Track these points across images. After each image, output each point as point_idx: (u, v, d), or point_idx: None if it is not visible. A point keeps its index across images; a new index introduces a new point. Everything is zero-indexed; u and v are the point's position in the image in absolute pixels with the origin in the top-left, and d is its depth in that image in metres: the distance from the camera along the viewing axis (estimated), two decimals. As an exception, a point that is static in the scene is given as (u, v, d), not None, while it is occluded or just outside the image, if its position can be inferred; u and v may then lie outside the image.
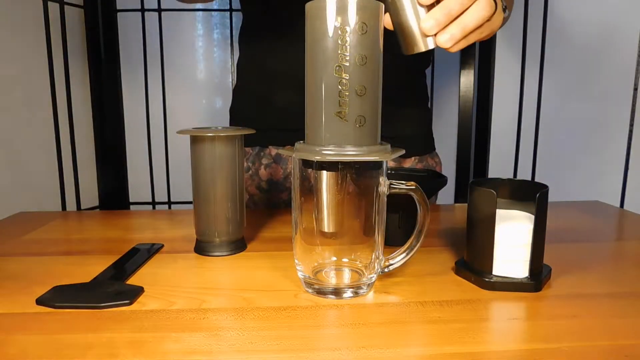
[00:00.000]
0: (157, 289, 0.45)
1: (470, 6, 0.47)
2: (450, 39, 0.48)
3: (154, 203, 1.50)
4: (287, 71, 0.75)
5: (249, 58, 0.82)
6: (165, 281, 0.47)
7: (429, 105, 0.90)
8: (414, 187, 0.42)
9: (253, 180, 0.82)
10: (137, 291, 0.43)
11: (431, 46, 0.49)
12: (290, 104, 0.75)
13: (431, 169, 0.76)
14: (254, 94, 0.82)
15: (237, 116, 0.87)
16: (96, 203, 1.44)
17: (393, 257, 0.45)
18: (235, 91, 0.87)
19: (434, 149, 0.88)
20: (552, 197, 0.48)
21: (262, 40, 0.79)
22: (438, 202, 0.91)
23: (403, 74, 0.79)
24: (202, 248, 0.55)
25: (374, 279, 0.45)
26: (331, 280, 0.46)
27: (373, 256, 0.43)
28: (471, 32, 0.49)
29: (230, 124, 0.88)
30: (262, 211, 0.75)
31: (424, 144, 0.85)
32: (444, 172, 0.67)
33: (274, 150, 0.81)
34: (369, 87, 0.40)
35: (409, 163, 0.82)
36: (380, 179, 0.42)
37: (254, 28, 0.81)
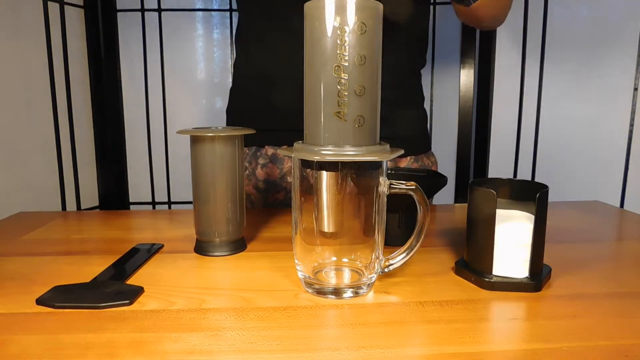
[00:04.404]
0: (157, 289, 0.45)
1: None
2: None
3: (154, 203, 1.50)
4: (283, 71, 0.75)
5: (245, 58, 0.82)
6: (165, 281, 0.47)
7: (427, 105, 0.90)
8: (414, 187, 0.42)
9: (250, 180, 0.82)
10: (137, 291, 0.43)
11: None
12: (287, 104, 0.75)
13: (431, 169, 0.76)
14: (250, 94, 0.82)
15: (233, 116, 0.87)
16: (96, 203, 1.44)
17: (393, 257, 0.45)
18: (232, 91, 0.87)
19: (430, 148, 0.88)
20: (552, 197, 0.48)
21: (258, 40, 0.79)
22: (436, 202, 0.91)
23: (398, 74, 0.79)
24: (202, 248, 0.55)
25: (374, 279, 0.45)
26: (331, 280, 0.46)
27: (373, 256, 0.43)
28: None
29: (227, 124, 0.88)
30: (261, 211, 0.75)
31: (420, 144, 0.85)
32: (442, 172, 0.67)
33: (270, 150, 0.81)
34: (368, 87, 0.40)
35: (405, 163, 0.82)
36: (380, 179, 0.42)
37: (250, 28, 0.81)
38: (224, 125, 0.86)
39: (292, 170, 0.43)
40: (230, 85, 0.88)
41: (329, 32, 0.38)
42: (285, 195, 0.82)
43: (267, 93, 0.79)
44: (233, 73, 0.88)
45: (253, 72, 0.81)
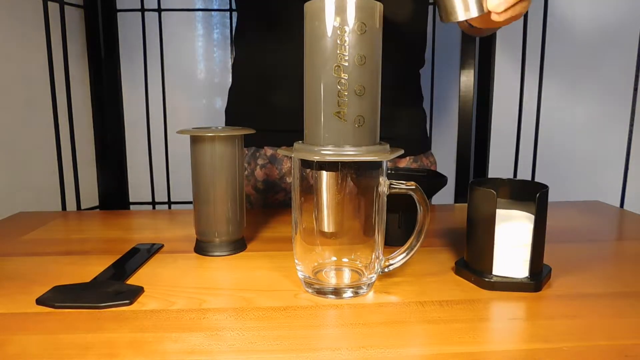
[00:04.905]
0: (157, 289, 0.45)
1: None
2: (504, 2, 0.48)
3: (154, 203, 1.50)
4: (282, 71, 0.75)
5: (245, 58, 0.82)
6: (165, 281, 0.47)
7: (426, 105, 0.90)
8: (414, 187, 0.42)
9: (249, 180, 0.82)
10: (137, 291, 0.43)
11: (475, 14, 0.49)
12: (286, 105, 0.75)
13: (430, 169, 0.76)
14: (249, 94, 0.82)
15: (232, 117, 0.87)
16: (96, 203, 1.44)
17: (393, 257, 0.45)
18: (231, 92, 0.87)
19: (429, 148, 0.88)
20: (552, 197, 0.48)
21: (257, 40, 0.79)
22: (436, 202, 0.91)
23: (397, 74, 0.79)
24: (202, 248, 0.55)
25: (374, 279, 0.45)
26: (331, 280, 0.46)
27: (373, 256, 0.43)
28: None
29: (226, 125, 0.88)
30: (262, 211, 0.75)
31: (419, 144, 0.85)
32: (442, 172, 0.67)
33: (269, 151, 0.81)
34: (367, 87, 0.39)
35: (404, 163, 0.82)
36: (380, 179, 0.42)
37: (249, 29, 0.81)
38: (224, 125, 0.85)
39: (292, 170, 0.43)
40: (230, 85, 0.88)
41: (329, 32, 0.38)
42: (284, 196, 0.82)
43: (266, 93, 0.79)
44: (232, 73, 0.88)
45: (252, 72, 0.81)
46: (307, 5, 0.40)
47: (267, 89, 0.79)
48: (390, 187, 0.42)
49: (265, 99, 0.79)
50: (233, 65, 0.87)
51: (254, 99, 0.81)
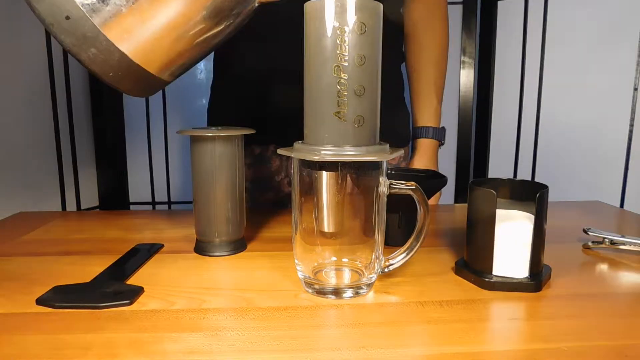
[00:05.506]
0: (157, 289, 0.45)
1: None
2: None
3: (154, 203, 1.50)
4: (268, 70, 0.75)
5: (228, 56, 0.81)
6: (165, 281, 0.47)
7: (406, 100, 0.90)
8: (414, 187, 0.42)
9: None
10: (137, 291, 0.43)
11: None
12: (272, 103, 0.74)
13: (430, 170, 0.76)
14: (233, 92, 0.82)
15: (215, 115, 0.85)
16: (96, 203, 1.44)
17: (393, 257, 0.45)
18: (214, 90, 0.86)
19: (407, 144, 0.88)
20: (552, 197, 0.48)
21: (256, 40, 0.79)
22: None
23: (396, 74, 0.79)
24: (202, 248, 0.55)
25: (374, 279, 0.45)
26: (331, 280, 0.46)
27: (373, 256, 0.43)
28: None
29: (208, 124, 0.87)
30: (261, 211, 0.75)
31: (405, 142, 0.85)
32: (442, 172, 0.67)
33: (257, 150, 0.81)
34: (367, 87, 0.40)
35: (395, 161, 0.83)
36: (380, 179, 0.42)
37: (247, 27, 0.81)
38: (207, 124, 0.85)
39: (292, 170, 0.43)
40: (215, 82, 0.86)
41: (329, 32, 0.38)
42: (274, 196, 0.82)
43: (250, 92, 0.78)
44: (214, 71, 0.85)
45: (236, 70, 0.80)
46: (307, 5, 0.40)
47: (251, 88, 0.78)
48: (390, 187, 0.42)
49: (249, 98, 0.78)
50: (214, 62, 0.84)
51: (237, 98, 0.80)
